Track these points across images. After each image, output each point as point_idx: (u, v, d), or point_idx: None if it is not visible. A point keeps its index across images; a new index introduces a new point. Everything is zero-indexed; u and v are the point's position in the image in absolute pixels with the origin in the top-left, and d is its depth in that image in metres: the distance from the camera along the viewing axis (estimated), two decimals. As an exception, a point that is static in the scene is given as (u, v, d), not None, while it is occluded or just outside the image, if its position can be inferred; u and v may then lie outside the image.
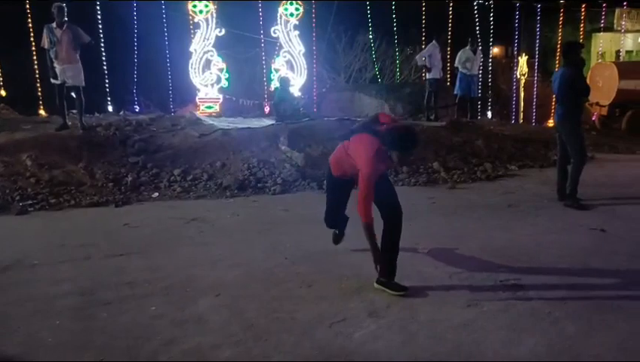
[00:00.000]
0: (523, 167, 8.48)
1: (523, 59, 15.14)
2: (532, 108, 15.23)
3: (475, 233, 5.07)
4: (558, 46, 15.31)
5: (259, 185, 7.05)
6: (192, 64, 10.40)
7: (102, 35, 11.58)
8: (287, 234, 5.10)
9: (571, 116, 6.13)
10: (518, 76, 15.24)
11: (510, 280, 3.83)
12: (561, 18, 15.03)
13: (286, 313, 3.35)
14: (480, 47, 14.02)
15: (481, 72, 14.69)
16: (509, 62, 17.54)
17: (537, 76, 15.95)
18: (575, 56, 6.12)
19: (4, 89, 12.02)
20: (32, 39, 10.80)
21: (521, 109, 15.36)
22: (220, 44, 10.61)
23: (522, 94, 15.33)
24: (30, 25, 10.96)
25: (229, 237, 5.02)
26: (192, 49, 10.39)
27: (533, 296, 3.57)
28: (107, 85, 11.92)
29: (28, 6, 11.14)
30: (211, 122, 9.05)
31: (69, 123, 8.21)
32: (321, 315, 3.30)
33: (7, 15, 11.62)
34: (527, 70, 15.12)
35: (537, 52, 15.81)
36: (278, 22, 10.74)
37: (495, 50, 18.37)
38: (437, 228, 5.28)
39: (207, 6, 10.24)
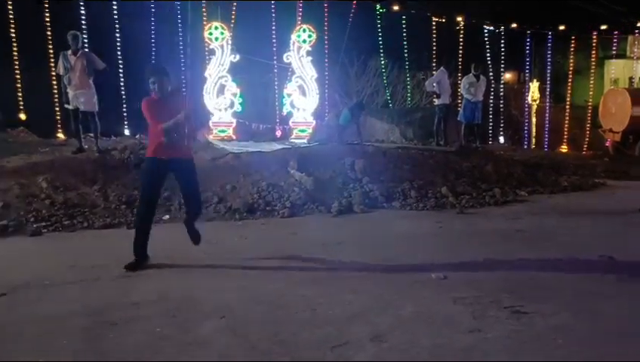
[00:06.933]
0: (533, 192, 8.47)
1: (535, 85, 15.18)
2: (544, 134, 15.22)
3: (481, 258, 5.07)
4: (570, 72, 15.37)
5: (268, 208, 7.13)
6: (206, 89, 10.60)
7: (121, 60, 11.92)
8: (295, 257, 5.15)
9: None
10: (530, 102, 15.27)
11: (515, 306, 3.82)
12: (572, 45, 15.10)
13: (289, 336, 3.38)
14: (490, 73, 14.15)
15: (492, 97, 14.78)
16: (521, 87, 17.56)
17: (549, 102, 15.96)
18: None
19: (24, 112, 12.36)
20: (51, 64, 11.13)
21: (533, 135, 15.35)
22: (235, 70, 10.82)
23: (534, 120, 15.34)
24: (50, 50, 11.31)
25: (237, 260, 5.07)
26: (207, 74, 10.60)
27: (538, 322, 3.56)
28: (125, 109, 12.22)
29: (49, 32, 11.53)
30: (223, 146, 9.19)
31: (85, 146, 8.40)
32: (324, 339, 3.32)
33: (27, 41, 12.01)
34: (538, 96, 15.16)
35: (549, 78, 15.85)
36: (291, 48, 10.94)
37: (507, 76, 18.43)
38: (443, 252, 5.29)
39: (222, 33, 10.49)
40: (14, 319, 3.71)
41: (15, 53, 11.85)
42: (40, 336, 3.43)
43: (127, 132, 11.80)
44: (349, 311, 3.76)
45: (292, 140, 10.38)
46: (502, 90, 15.68)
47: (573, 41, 15.08)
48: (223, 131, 10.64)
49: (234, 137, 10.56)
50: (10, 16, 11.62)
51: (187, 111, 4.62)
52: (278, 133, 11.83)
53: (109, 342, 3.33)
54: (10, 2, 11.55)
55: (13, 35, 11.75)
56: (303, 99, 10.98)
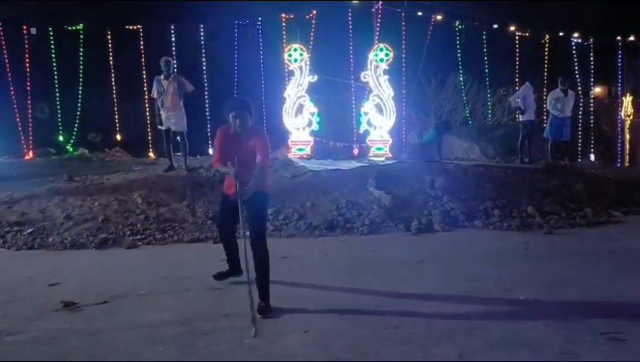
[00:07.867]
0: (628, 213, 7.95)
1: (628, 100, 14.30)
2: (639, 151, 14.25)
3: (573, 281, 4.83)
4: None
5: (347, 225, 7.18)
6: (285, 109, 10.91)
7: (206, 84, 12.60)
8: (375, 274, 5.15)
9: None
10: (623, 117, 14.37)
11: (611, 332, 3.60)
12: (669, 56, 14.12)
13: (372, 353, 3.38)
14: (579, 87, 13.53)
15: (580, 112, 14.08)
16: (613, 102, 16.58)
17: (644, 117, 14.95)
18: None
19: (120, 134, 13.39)
20: (144, 89, 11.97)
21: (627, 152, 14.41)
22: (313, 89, 11.07)
23: (628, 136, 14.41)
24: (144, 76, 12.18)
25: (318, 276, 5.15)
26: (286, 94, 10.92)
27: (636, 352, 3.33)
28: (209, 129, 12.86)
29: (143, 60, 12.43)
30: (302, 164, 9.39)
31: (175, 165, 8.90)
32: (407, 356, 3.30)
33: (122, 68, 13.04)
34: (632, 111, 14.25)
35: (644, 92, 14.89)
36: (368, 67, 11.04)
37: (597, 90, 17.48)
38: (531, 274, 5.09)
39: (301, 55, 10.79)
40: (114, 325, 3.97)
41: (112, 80, 12.91)
42: (137, 342, 3.65)
43: (210, 151, 12.38)
44: (433, 331, 3.71)
45: (370, 158, 10.41)
46: (592, 104, 14.90)
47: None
48: (301, 150, 10.87)
49: (312, 155, 10.77)
50: (109, 47, 12.67)
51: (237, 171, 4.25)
52: (355, 151, 11.93)
53: (200, 351, 3.50)
54: (109, 34, 12.60)
55: (112, 63, 12.81)
56: (380, 117, 10.99)
